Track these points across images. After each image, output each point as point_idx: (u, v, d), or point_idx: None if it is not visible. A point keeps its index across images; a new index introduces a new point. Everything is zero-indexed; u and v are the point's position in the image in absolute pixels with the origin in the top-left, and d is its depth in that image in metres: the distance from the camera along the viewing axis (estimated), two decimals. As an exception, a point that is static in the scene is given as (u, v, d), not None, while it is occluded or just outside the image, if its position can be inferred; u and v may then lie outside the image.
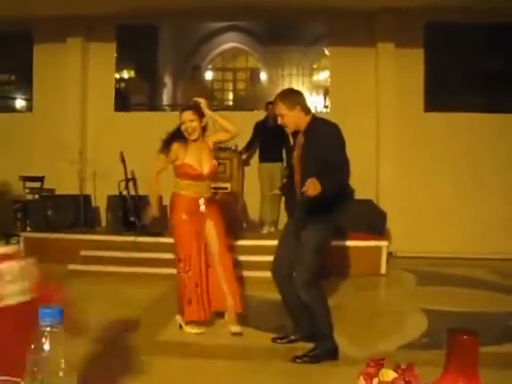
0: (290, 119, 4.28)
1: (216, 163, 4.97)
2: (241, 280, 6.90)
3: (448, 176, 9.59)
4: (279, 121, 4.37)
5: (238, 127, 5.02)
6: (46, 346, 1.01)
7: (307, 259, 4.18)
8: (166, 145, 4.84)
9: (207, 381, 3.93)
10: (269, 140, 8.66)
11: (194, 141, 4.82)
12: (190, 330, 4.81)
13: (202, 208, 4.82)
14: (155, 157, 4.96)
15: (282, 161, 8.63)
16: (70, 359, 1.02)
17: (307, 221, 4.19)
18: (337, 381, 3.94)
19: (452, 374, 1.15)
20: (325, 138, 4.16)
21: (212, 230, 4.85)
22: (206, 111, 4.90)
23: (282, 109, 4.27)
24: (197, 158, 4.80)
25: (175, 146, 4.78)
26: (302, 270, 4.19)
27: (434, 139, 9.66)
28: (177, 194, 4.87)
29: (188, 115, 4.82)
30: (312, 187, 3.74)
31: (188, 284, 4.70)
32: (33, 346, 1.01)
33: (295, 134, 4.43)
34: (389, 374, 1.10)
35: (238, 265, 7.09)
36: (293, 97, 4.36)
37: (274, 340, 4.66)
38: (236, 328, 4.81)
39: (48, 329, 1.01)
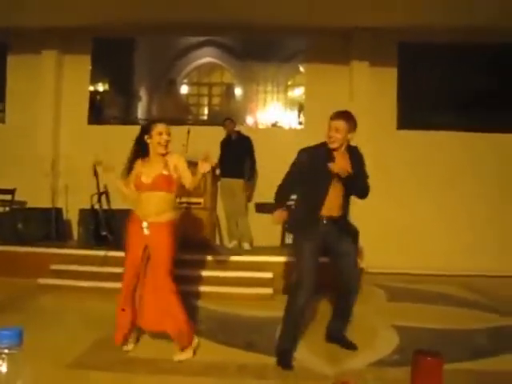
0: (341, 139, 4.54)
1: (165, 173, 4.60)
2: (209, 295, 6.91)
3: (419, 193, 9.71)
4: (332, 133, 4.53)
5: (191, 186, 4.73)
6: (3, 368, 0.99)
7: (357, 268, 4.99)
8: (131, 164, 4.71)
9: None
10: (230, 156, 8.79)
11: (163, 155, 4.66)
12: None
13: (146, 231, 4.58)
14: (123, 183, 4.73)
15: (243, 177, 8.73)
16: (28, 382, 1.00)
17: (344, 234, 4.73)
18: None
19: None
20: (362, 162, 4.74)
21: (152, 256, 4.61)
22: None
23: (344, 125, 4.52)
24: (148, 170, 4.62)
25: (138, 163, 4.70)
26: (357, 277, 4.95)
27: (406, 156, 9.77)
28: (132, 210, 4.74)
29: (166, 128, 4.67)
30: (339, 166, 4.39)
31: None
32: (-10, 369, 0.99)
33: (321, 153, 4.61)
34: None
35: (207, 281, 7.11)
36: (354, 122, 4.62)
37: (283, 365, 4.55)
38: (179, 357, 4.60)
39: (6, 351, 0.99)
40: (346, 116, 4.59)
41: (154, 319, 4.64)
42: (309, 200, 4.65)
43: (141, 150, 4.68)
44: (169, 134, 4.65)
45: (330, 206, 4.60)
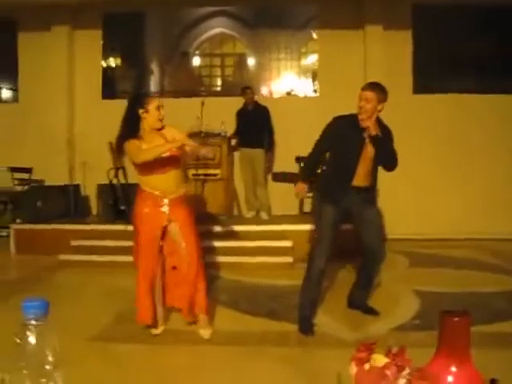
0: (371, 109, 4.55)
1: (179, 152, 4.36)
2: (230, 266, 6.94)
3: (438, 157, 9.62)
4: (362, 103, 4.55)
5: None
6: (32, 339, 0.99)
7: (382, 235, 5.05)
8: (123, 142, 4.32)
9: (200, 366, 3.93)
10: (249, 125, 8.69)
11: (159, 130, 4.39)
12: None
13: (165, 209, 4.36)
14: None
15: (262, 147, 8.67)
16: (57, 352, 1.00)
17: (369, 203, 4.78)
18: (328, 364, 3.93)
19: (444, 355, 1.15)
20: (391, 139, 4.81)
21: (178, 231, 4.41)
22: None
23: (373, 96, 4.55)
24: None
25: (134, 142, 4.29)
26: (382, 244, 5.03)
27: (423, 121, 9.67)
28: (141, 189, 4.43)
29: (161, 101, 4.41)
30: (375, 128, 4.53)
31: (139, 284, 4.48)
32: (18, 340, 0.99)
33: (353, 123, 4.63)
34: (380, 359, 1.09)
35: (227, 251, 7.13)
36: (384, 93, 4.64)
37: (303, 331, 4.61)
38: (206, 333, 4.49)
39: (33, 322, 0.99)
40: (375, 87, 4.63)
41: (176, 295, 4.52)
42: (339, 169, 4.71)
43: (135, 127, 4.34)
44: (163, 108, 4.39)
45: (359, 176, 4.65)
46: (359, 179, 4.66)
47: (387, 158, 4.70)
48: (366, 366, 1.11)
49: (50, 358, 1.01)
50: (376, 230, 4.85)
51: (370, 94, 4.55)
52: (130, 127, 4.33)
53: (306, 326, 4.59)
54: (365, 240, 4.81)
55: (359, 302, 5.12)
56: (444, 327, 1.13)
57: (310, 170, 4.87)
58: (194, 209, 4.68)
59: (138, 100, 4.40)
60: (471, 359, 1.15)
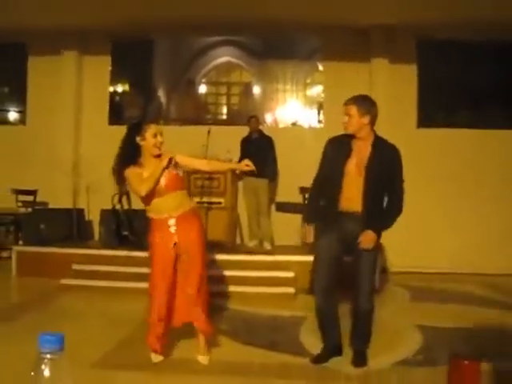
0: (355, 123, 4.31)
1: (176, 173, 4.42)
2: (230, 295, 6.92)
3: (440, 192, 9.63)
4: (345, 119, 4.35)
5: (210, 168, 4.85)
6: (46, 373, 1.00)
7: (372, 269, 4.41)
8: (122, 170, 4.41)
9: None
10: (253, 154, 8.67)
11: (157, 157, 4.41)
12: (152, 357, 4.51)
13: (173, 229, 4.38)
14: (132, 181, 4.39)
15: (266, 176, 8.66)
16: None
17: (360, 232, 4.27)
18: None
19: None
20: (393, 159, 4.45)
21: (186, 248, 4.39)
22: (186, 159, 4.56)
23: (353, 110, 4.29)
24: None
25: (134, 171, 4.38)
26: (369, 279, 4.39)
27: (426, 155, 9.70)
28: (149, 218, 4.47)
29: (160, 128, 4.44)
30: (369, 241, 4.24)
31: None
32: (32, 373, 0.99)
33: (342, 142, 4.44)
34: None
35: (228, 280, 7.12)
36: (368, 105, 4.35)
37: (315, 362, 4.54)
38: (204, 359, 4.49)
39: (48, 356, 1.00)
40: (356, 100, 4.36)
41: (184, 311, 4.49)
42: (326, 190, 4.44)
43: (133, 154, 4.43)
44: (161, 135, 4.43)
45: (350, 199, 4.30)
46: (352, 202, 4.30)
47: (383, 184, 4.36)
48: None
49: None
50: (363, 265, 4.36)
51: (350, 109, 4.30)
52: (127, 155, 4.40)
53: (330, 345, 4.56)
54: (354, 275, 4.42)
55: (354, 346, 4.64)
56: (454, 370, 1.13)
57: (312, 207, 4.60)
58: (202, 225, 4.66)
59: (135, 128, 4.45)
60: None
